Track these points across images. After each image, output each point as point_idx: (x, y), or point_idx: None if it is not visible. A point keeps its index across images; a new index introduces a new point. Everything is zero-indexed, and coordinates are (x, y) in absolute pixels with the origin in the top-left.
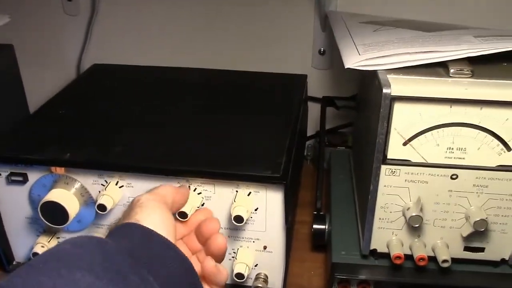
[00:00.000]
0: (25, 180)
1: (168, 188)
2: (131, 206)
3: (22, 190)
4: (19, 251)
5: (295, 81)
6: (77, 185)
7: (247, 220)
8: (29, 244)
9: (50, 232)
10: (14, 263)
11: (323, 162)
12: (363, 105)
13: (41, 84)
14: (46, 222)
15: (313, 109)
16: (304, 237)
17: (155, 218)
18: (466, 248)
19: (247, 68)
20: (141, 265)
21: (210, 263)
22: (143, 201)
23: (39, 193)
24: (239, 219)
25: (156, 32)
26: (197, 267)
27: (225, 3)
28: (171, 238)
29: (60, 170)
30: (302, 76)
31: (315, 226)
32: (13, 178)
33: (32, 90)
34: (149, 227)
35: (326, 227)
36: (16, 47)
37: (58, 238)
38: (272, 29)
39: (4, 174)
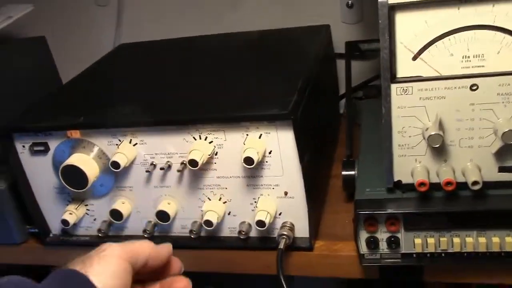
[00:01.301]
0: (46, 149)
1: (145, 246)
2: (93, 251)
3: (46, 160)
4: (54, 223)
5: (316, 32)
6: (95, 148)
7: (259, 162)
8: (60, 214)
9: (78, 200)
10: (51, 235)
11: (352, 111)
12: None
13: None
14: (68, 187)
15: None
16: (340, 191)
17: (107, 275)
18: (501, 169)
19: (273, 27)
20: None
21: None
22: (106, 253)
23: (60, 159)
24: (249, 160)
25: (182, 6)
26: None
27: None
28: None
29: (75, 134)
30: (323, 26)
31: (344, 173)
32: (36, 148)
33: None
34: (98, 286)
35: (356, 173)
36: (53, 41)
37: (86, 205)
38: None
39: (27, 146)
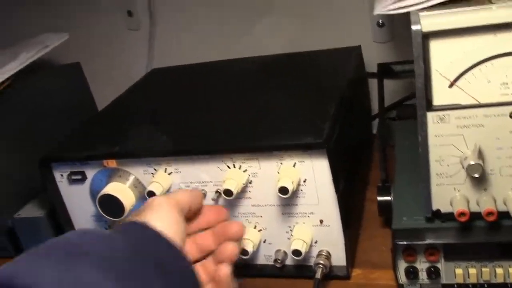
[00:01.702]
0: (83, 178)
1: (185, 193)
2: (144, 206)
3: (83, 188)
4: None
5: (347, 54)
6: (130, 177)
7: (293, 191)
8: None
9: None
10: None
11: (385, 134)
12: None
13: (113, 98)
14: (105, 216)
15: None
16: (375, 215)
17: (165, 221)
18: None
19: (304, 48)
20: (147, 268)
21: (227, 270)
22: (157, 203)
23: (97, 189)
24: (284, 190)
25: (212, 28)
26: (202, 274)
27: None
28: (179, 244)
29: (112, 163)
30: (355, 47)
31: (379, 198)
32: (73, 177)
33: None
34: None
35: (391, 198)
36: (87, 66)
37: None
38: (327, 6)
39: (65, 175)
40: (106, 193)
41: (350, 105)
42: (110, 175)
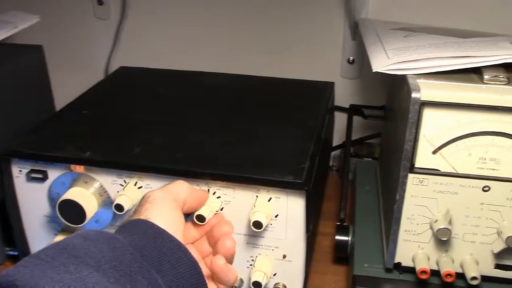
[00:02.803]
0: (45, 177)
1: (182, 186)
2: (142, 202)
3: (42, 188)
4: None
5: (322, 88)
6: (96, 184)
7: (266, 226)
8: (47, 243)
9: (68, 232)
10: None
11: (348, 172)
12: (392, 113)
13: (69, 86)
14: (64, 221)
15: (340, 119)
16: (326, 249)
17: (164, 216)
18: (498, 266)
19: (274, 75)
20: (150, 265)
21: (219, 261)
22: (154, 197)
23: (58, 191)
24: (257, 224)
25: (182, 37)
26: (205, 272)
27: (253, 10)
28: (179, 238)
29: (79, 169)
30: (329, 83)
31: (337, 238)
32: (33, 175)
33: (60, 92)
34: (159, 226)
35: (349, 238)
36: (46, 49)
37: None
38: (301, 37)
39: (24, 171)
40: (69, 198)
41: (324, 141)
42: (75, 179)
